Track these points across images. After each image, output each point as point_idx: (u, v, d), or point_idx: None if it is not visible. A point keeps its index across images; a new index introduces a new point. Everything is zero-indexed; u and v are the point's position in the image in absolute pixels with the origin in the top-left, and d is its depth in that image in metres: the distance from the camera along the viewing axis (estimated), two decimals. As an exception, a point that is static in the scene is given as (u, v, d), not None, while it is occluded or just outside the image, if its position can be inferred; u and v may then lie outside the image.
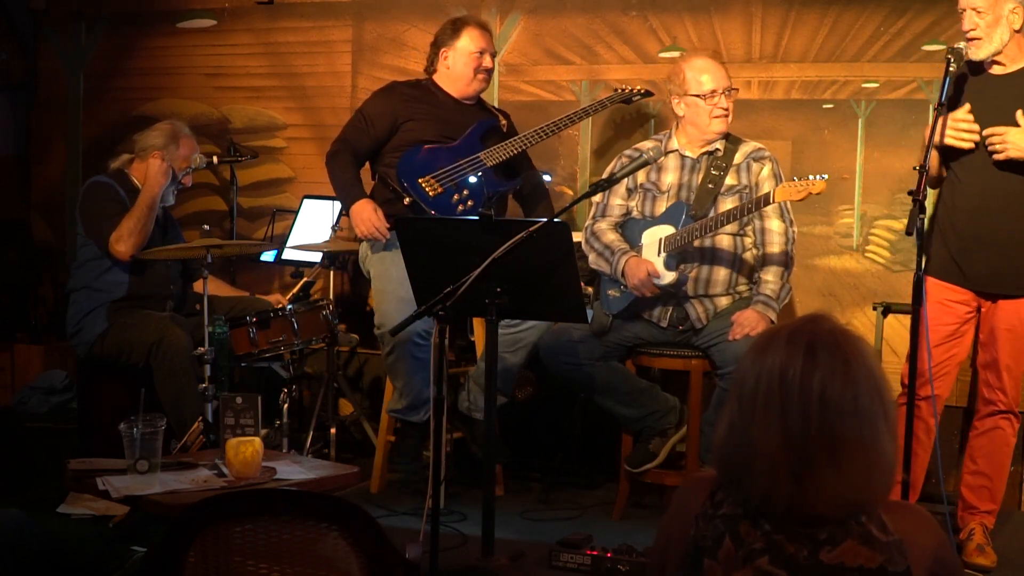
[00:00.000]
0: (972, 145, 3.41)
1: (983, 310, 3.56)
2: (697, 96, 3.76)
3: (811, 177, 3.44)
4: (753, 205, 3.60)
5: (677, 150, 3.87)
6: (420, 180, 4.06)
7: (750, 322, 3.63)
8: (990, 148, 3.37)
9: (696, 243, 3.73)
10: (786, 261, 3.77)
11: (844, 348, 1.64)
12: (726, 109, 3.77)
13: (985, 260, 3.48)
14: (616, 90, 4.35)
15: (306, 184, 5.25)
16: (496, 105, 4.60)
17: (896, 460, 1.68)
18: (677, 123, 3.90)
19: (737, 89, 3.84)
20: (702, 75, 3.76)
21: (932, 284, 3.49)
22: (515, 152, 4.15)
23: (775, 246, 3.77)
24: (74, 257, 4.50)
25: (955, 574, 1.74)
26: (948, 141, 3.41)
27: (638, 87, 4.37)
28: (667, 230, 3.75)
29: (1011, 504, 4.03)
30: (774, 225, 3.77)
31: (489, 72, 4.23)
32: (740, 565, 1.65)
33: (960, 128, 3.40)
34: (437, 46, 4.22)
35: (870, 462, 1.62)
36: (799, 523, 1.65)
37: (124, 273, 4.33)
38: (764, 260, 3.77)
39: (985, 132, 3.38)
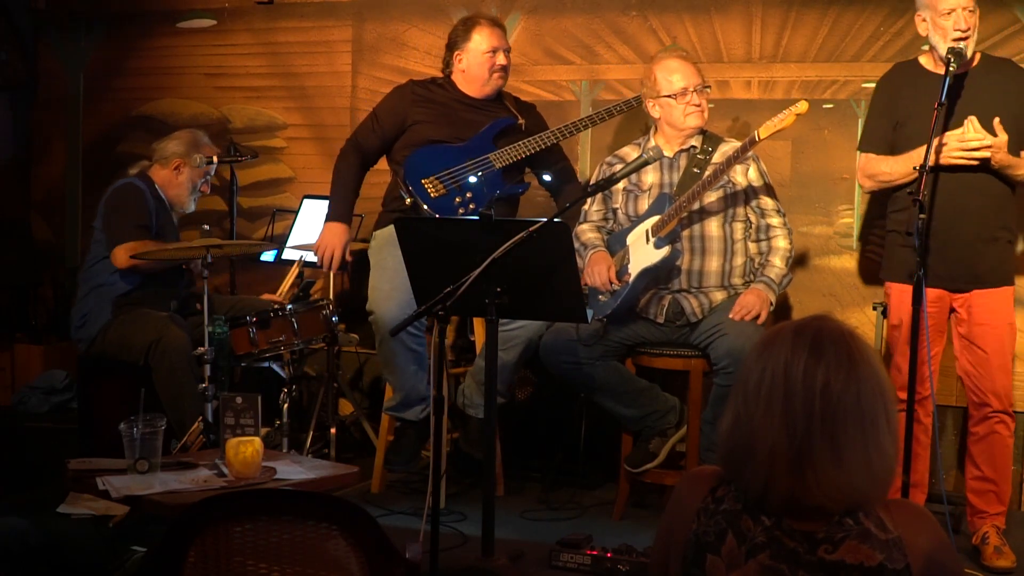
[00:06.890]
0: (977, 162, 3.44)
1: (957, 310, 3.58)
2: (669, 96, 3.85)
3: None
4: (740, 151, 3.69)
5: None
6: (424, 180, 4.06)
7: (749, 304, 3.70)
8: (977, 157, 3.42)
9: (685, 222, 3.78)
10: (791, 251, 3.88)
11: (849, 346, 1.66)
12: (698, 105, 3.85)
13: (960, 256, 3.52)
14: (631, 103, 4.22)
15: (306, 184, 5.25)
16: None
17: (896, 460, 1.69)
18: (655, 125, 3.97)
19: (710, 87, 3.91)
20: (672, 75, 3.86)
21: (900, 290, 3.52)
22: (525, 155, 4.12)
23: (780, 239, 3.88)
24: (75, 253, 4.50)
25: (955, 571, 1.75)
26: (955, 160, 3.43)
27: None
28: (653, 221, 3.80)
29: (1011, 504, 4.02)
30: (775, 220, 3.89)
31: (504, 68, 4.19)
32: (743, 560, 1.66)
33: (971, 147, 3.42)
34: (451, 48, 4.20)
35: (870, 459, 1.63)
36: (797, 517, 1.65)
37: (137, 273, 4.35)
38: (771, 250, 3.87)
39: (974, 143, 3.40)
